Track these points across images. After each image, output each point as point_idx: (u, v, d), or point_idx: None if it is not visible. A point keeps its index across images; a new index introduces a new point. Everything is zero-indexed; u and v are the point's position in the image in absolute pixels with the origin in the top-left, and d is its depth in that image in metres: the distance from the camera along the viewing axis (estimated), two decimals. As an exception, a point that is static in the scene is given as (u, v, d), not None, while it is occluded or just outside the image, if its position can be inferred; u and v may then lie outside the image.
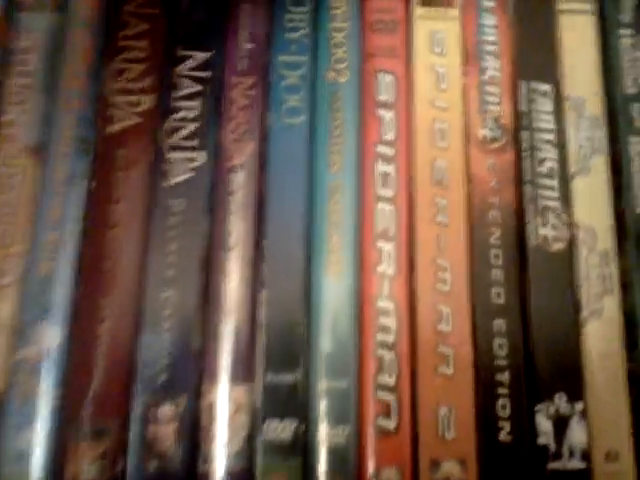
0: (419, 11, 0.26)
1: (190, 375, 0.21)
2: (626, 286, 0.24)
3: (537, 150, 0.25)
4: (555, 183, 0.24)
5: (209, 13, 0.26)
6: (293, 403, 0.21)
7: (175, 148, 0.24)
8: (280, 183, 0.24)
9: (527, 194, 0.24)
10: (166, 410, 0.21)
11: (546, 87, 0.25)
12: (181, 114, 0.24)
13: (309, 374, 0.22)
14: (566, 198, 0.24)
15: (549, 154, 0.25)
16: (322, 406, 0.21)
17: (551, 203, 0.24)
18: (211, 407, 0.21)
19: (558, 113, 0.25)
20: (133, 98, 0.25)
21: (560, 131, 0.25)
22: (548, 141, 0.25)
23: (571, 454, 0.22)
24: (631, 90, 0.26)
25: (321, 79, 0.25)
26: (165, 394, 0.21)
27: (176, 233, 0.23)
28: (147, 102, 0.25)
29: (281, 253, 0.23)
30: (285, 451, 0.21)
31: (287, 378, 0.22)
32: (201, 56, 0.25)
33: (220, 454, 0.21)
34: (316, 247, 0.23)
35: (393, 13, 0.26)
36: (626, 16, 0.27)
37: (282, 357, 0.22)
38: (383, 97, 0.25)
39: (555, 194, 0.24)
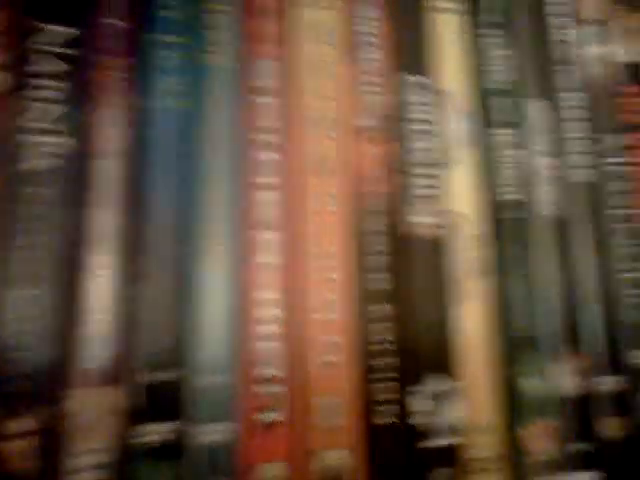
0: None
1: (49, 384, 0.21)
2: (495, 270, 0.27)
3: (413, 140, 0.27)
4: (430, 172, 0.27)
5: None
6: (173, 403, 0.22)
7: (34, 131, 0.23)
8: (154, 171, 0.24)
9: (405, 183, 0.27)
10: (22, 424, 0.20)
11: (422, 80, 0.28)
12: (41, 94, 0.24)
13: (189, 371, 0.22)
14: (440, 187, 0.27)
15: (424, 144, 0.27)
16: (202, 403, 0.22)
17: (427, 191, 0.27)
18: (77, 413, 0.21)
19: (433, 105, 0.28)
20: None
21: (435, 122, 0.28)
22: (424, 131, 0.27)
23: (447, 430, 0.25)
24: (493, 85, 0.29)
25: (199, 62, 0.26)
26: (20, 406, 0.20)
27: (32, 226, 0.22)
28: (3, 80, 0.24)
29: (157, 246, 0.23)
30: (165, 454, 0.21)
31: (167, 377, 0.22)
32: (63, 32, 0.24)
33: (88, 463, 0.21)
34: (195, 238, 0.23)
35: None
36: (489, 16, 0.30)
37: (161, 356, 0.22)
38: (263, 83, 0.26)
39: (430, 183, 0.27)
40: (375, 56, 0.28)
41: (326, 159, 0.26)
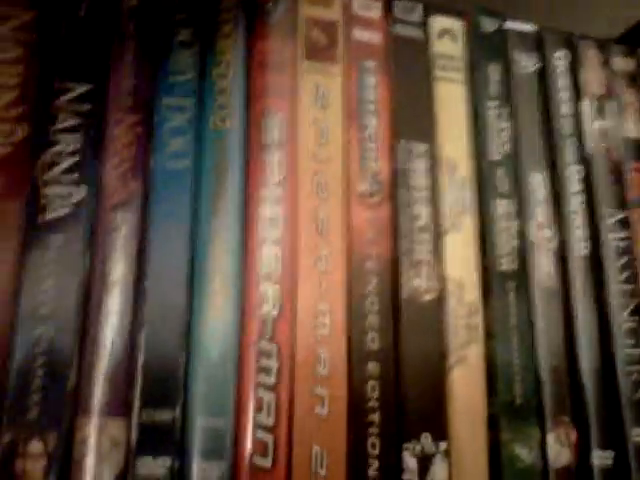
0: (304, 64, 0.33)
1: (64, 413, 0.25)
2: (489, 337, 0.32)
3: (412, 206, 0.32)
4: (428, 238, 0.32)
5: (90, 45, 0.30)
6: (168, 440, 0.26)
7: (53, 182, 0.28)
8: (162, 225, 0.28)
9: (402, 247, 0.31)
10: (35, 446, 0.25)
11: (421, 147, 0.33)
12: (59, 147, 0.29)
13: (186, 412, 0.27)
14: (437, 252, 0.32)
15: (423, 211, 0.32)
16: (198, 443, 0.26)
17: (423, 257, 0.32)
18: (84, 441, 0.25)
19: (432, 172, 0.33)
20: (5, 126, 0.29)
21: (433, 189, 0.33)
22: (422, 198, 0.32)
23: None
24: (496, 157, 0.35)
25: (206, 123, 0.31)
26: (35, 429, 0.25)
27: (53, 269, 0.27)
28: (21, 132, 0.29)
29: (162, 294, 0.27)
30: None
31: (164, 416, 0.26)
32: (81, 88, 0.30)
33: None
34: (198, 288, 0.28)
35: (281, 54, 0.33)
36: (493, 89, 0.36)
37: (159, 395, 0.26)
38: (271, 137, 0.31)
39: (427, 248, 0.32)
40: (376, 123, 0.33)
41: (328, 220, 0.31)
